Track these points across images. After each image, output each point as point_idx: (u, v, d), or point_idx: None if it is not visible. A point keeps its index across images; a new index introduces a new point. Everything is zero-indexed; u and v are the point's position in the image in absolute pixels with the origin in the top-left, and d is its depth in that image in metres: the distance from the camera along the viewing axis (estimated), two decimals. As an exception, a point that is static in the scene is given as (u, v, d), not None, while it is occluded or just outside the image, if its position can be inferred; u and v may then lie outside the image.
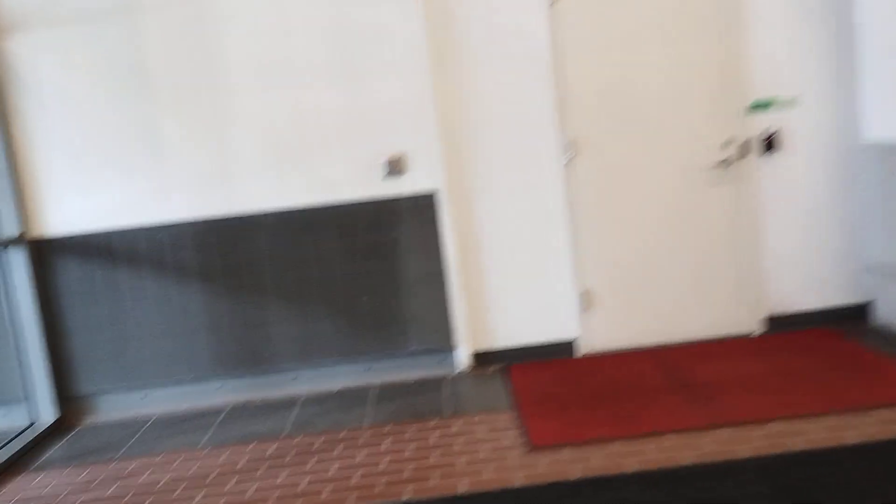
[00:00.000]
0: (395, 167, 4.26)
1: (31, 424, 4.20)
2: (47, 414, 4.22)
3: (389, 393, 4.21)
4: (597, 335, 4.46)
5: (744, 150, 4.34)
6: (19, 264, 4.13)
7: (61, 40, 4.10)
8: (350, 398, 4.20)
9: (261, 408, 4.21)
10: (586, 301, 4.44)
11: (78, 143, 4.17)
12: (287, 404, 4.22)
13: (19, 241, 4.12)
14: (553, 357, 4.44)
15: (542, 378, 4.14)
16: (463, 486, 3.01)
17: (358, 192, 4.26)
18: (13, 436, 4.07)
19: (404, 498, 2.97)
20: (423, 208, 4.28)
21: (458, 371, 4.40)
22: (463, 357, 4.39)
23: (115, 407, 4.34)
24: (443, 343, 4.35)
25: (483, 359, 4.45)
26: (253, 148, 4.21)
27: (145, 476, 3.47)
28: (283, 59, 4.15)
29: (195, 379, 4.34)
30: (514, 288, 4.40)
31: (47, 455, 3.87)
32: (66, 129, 4.16)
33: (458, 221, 4.35)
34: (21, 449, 3.88)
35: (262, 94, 4.17)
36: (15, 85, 4.11)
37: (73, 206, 4.20)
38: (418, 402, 3.99)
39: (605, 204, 4.38)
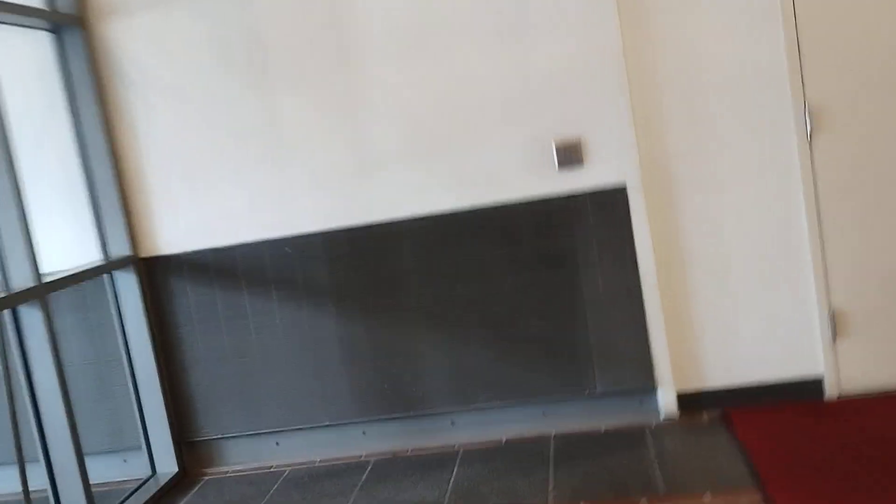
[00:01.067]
0: (571, 155, 3.29)
1: (152, 477, 3.59)
2: (168, 463, 3.60)
3: (574, 448, 3.27)
4: (852, 371, 3.31)
5: None
6: (131, 288, 3.52)
7: (165, 25, 3.42)
8: (522, 454, 3.30)
9: (411, 463, 3.40)
10: (837, 325, 3.30)
11: (189, 147, 3.49)
12: (443, 459, 3.38)
13: (129, 262, 3.50)
14: (789, 400, 3.33)
15: (780, 432, 3.06)
16: None
17: (524, 188, 3.33)
18: (132, 490, 3.48)
19: None
20: (609, 207, 3.29)
21: (661, 419, 3.40)
22: (667, 400, 3.37)
23: (241, 455, 3.67)
24: (639, 381, 3.36)
25: (692, 402, 3.41)
26: (392, 139, 3.37)
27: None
28: (427, 20, 3.27)
29: (333, 423, 3.58)
30: (734, 308, 3.33)
31: (166, 520, 3.24)
32: (174, 131, 3.49)
33: (657, 222, 3.33)
34: (137, 511, 3.28)
35: (402, 69, 3.31)
36: (117, 79, 3.48)
37: (186, 219, 3.54)
38: (616, 465, 3.03)
39: (861, 194, 3.21)
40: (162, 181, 3.52)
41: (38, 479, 2.91)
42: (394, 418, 3.56)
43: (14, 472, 2.84)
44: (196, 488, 3.51)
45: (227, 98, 3.43)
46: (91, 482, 3.01)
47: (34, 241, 2.90)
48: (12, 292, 2.79)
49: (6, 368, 2.80)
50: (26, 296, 2.82)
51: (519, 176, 3.32)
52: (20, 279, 2.85)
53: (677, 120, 3.26)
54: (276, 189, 3.47)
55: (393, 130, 3.37)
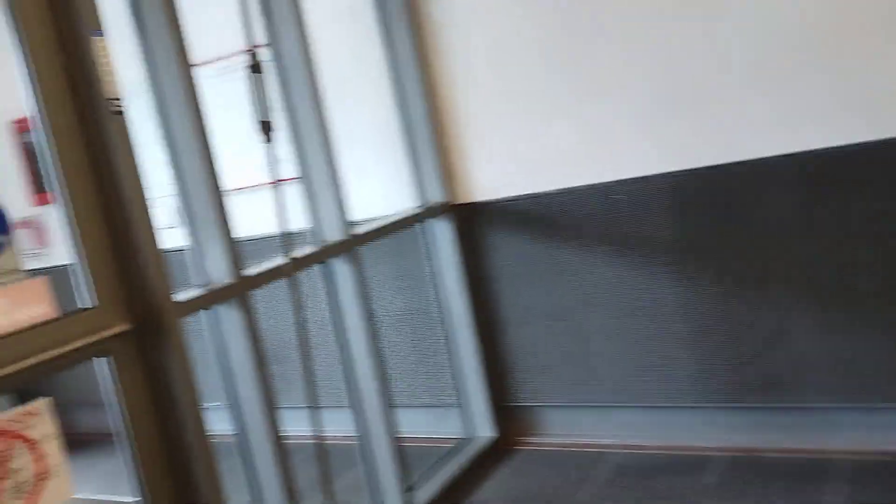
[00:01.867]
0: None
1: (466, 439, 3.34)
2: (483, 427, 3.32)
3: None
4: None
5: None
6: (444, 238, 3.22)
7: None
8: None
9: (771, 468, 2.68)
10: None
11: (508, 85, 3.03)
12: (818, 470, 2.60)
13: (443, 209, 3.20)
14: None
15: None
16: None
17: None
18: (447, 451, 3.26)
19: None
20: None
21: None
22: None
23: (561, 427, 3.24)
24: None
25: None
26: (749, 56, 2.56)
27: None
28: None
29: (668, 404, 2.98)
30: None
31: (480, 491, 2.94)
32: (493, 69, 3.05)
33: None
34: (454, 476, 3.03)
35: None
36: (433, 16, 3.12)
37: (504, 163, 3.11)
38: None
39: None
40: (479, 123, 3.13)
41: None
42: (748, 408, 2.85)
43: (338, 415, 2.73)
44: (513, 459, 3.17)
45: (548, 32, 2.89)
46: (401, 435, 2.81)
47: (344, 190, 2.68)
48: (323, 246, 2.60)
49: (301, 318, 2.63)
50: (336, 249, 2.63)
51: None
52: (330, 231, 2.65)
53: None
54: (606, 127, 2.88)
55: (750, 45, 2.56)
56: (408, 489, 2.79)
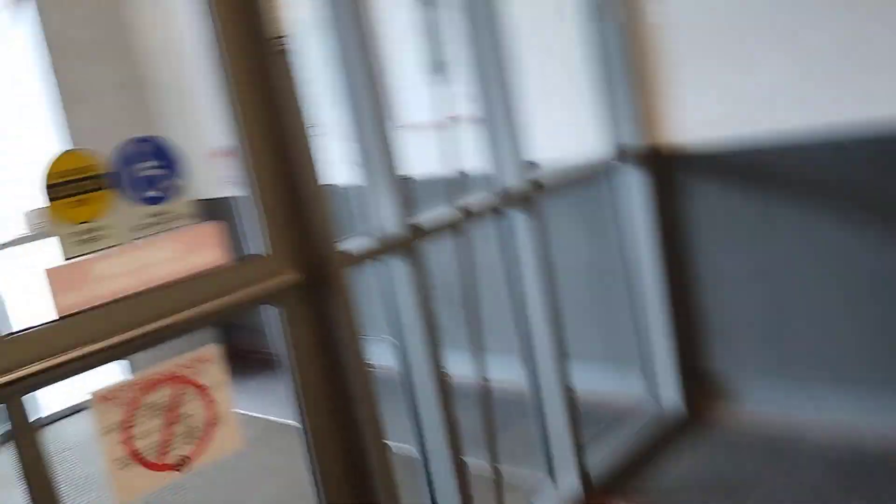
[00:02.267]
0: None
1: (649, 403, 3.11)
2: (668, 392, 3.07)
3: None
4: None
5: None
6: (636, 185, 2.94)
7: None
8: None
9: None
10: None
11: (717, 8, 2.64)
12: None
13: (638, 155, 2.90)
14: None
15: None
16: None
17: None
18: (628, 414, 3.05)
19: None
20: None
21: None
22: None
23: (761, 402, 2.91)
24: None
25: None
26: None
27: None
28: None
29: (886, 389, 2.56)
30: None
31: (662, 466, 2.73)
32: (699, -20, 2.67)
33: None
34: (634, 443, 2.84)
35: None
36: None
37: (710, 101, 2.75)
38: None
39: None
40: (683, 55, 2.77)
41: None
42: None
43: (507, 360, 2.62)
44: (700, 431, 2.91)
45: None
46: (579, 391, 2.65)
47: (526, 133, 2.48)
48: (501, 195, 2.44)
49: (473, 269, 2.50)
50: (516, 199, 2.45)
51: None
52: (510, 178, 2.48)
53: None
54: (833, 59, 2.42)
55: None
56: (581, 450, 2.64)
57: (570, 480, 2.63)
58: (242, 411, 3.93)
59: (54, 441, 4.15)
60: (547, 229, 2.54)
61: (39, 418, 4.26)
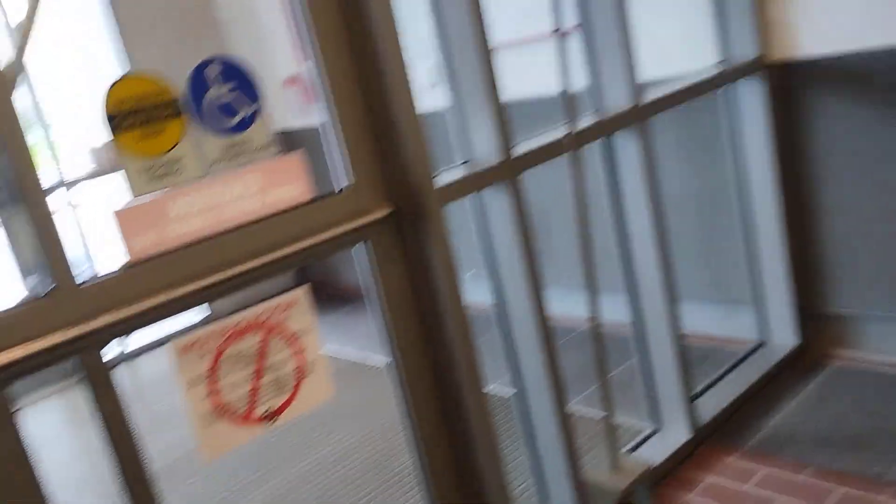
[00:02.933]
0: None
1: (762, 345, 2.86)
2: (783, 333, 2.80)
3: None
4: None
5: None
6: (754, 104, 2.62)
7: None
8: None
9: None
10: None
11: None
12: None
13: (754, 68, 2.58)
14: None
15: None
16: None
17: None
18: (741, 356, 2.81)
19: None
20: None
21: None
22: None
23: (884, 346, 2.62)
24: None
25: None
26: None
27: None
28: None
29: None
30: None
31: (780, 413, 2.50)
32: None
33: None
34: (747, 387, 2.61)
35: None
36: None
37: (842, 6, 2.39)
38: None
39: None
40: (811, -53, 2.40)
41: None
42: None
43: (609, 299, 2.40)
44: (819, 376, 2.65)
45: None
46: (686, 331, 2.43)
47: (634, 46, 2.19)
48: (606, 117, 2.17)
49: (583, 199, 2.27)
50: (622, 121, 2.19)
51: None
52: (615, 98, 2.21)
53: None
54: None
55: None
56: (689, 396, 2.43)
57: (677, 428, 2.43)
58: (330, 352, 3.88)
59: (131, 378, 4.17)
60: (655, 155, 2.27)
61: (117, 356, 4.30)
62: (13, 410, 1.26)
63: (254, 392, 1.51)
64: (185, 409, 1.43)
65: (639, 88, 2.21)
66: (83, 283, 1.30)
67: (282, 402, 1.55)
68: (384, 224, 1.70)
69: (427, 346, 1.81)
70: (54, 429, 3.76)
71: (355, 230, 1.64)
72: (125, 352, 4.34)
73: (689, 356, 2.44)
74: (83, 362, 1.31)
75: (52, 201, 1.26)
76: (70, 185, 4.15)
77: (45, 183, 1.23)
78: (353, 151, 1.66)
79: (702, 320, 3.03)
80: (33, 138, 4.36)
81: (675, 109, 2.60)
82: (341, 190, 1.66)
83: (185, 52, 4.12)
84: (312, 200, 1.59)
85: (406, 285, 1.77)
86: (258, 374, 1.51)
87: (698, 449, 2.41)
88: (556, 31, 1.90)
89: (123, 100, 1.25)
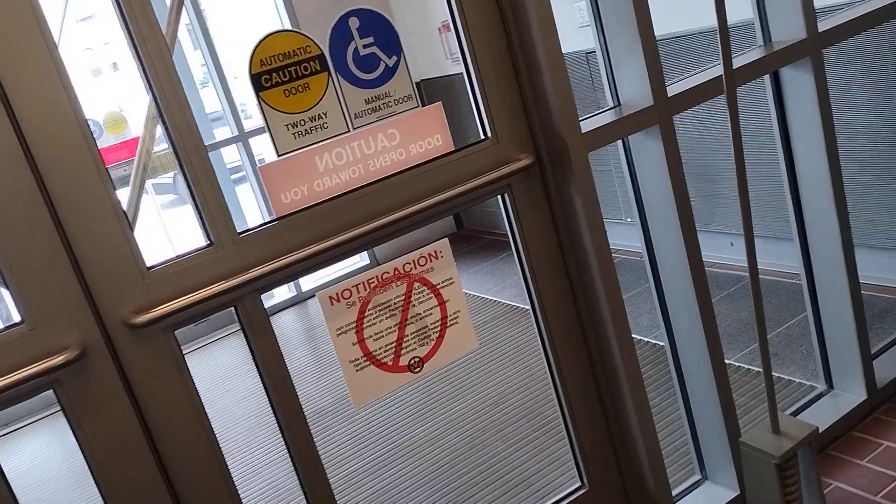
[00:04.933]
0: None
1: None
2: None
3: None
4: None
5: None
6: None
7: None
8: None
9: None
10: None
11: None
12: None
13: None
14: None
15: None
16: None
17: None
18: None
19: None
20: None
21: None
22: None
23: None
24: None
25: None
26: None
27: None
28: None
29: None
30: None
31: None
32: None
33: None
34: None
35: None
36: None
37: None
38: None
39: None
40: None
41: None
42: None
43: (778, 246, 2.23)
44: None
45: None
46: (866, 284, 2.22)
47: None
48: (772, 51, 1.99)
49: (739, 139, 2.10)
50: (792, 54, 1.99)
51: None
52: (785, 27, 2.01)
53: None
54: None
55: None
56: (867, 354, 2.22)
57: (852, 388, 2.24)
58: (476, 293, 3.93)
59: (303, 320, 4.44)
60: (827, 92, 2.05)
61: (289, 300, 4.58)
62: (184, 353, 1.38)
63: (399, 341, 1.56)
64: (337, 356, 1.50)
65: (811, 16, 1.99)
66: (241, 233, 1.39)
67: (427, 350, 1.58)
68: (526, 173, 1.66)
69: (572, 295, 1.78)
70: (232, 367, 4.10)
71: (496, 180, 1.62)
72: (300, 293, 4.63)
73: (870, 310, 2.22)
74: (240, 315, 1.40)
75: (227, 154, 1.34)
76: (245, 137, 4.41)
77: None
78: (491, 101, 1.62)
79: (884, 271, 2.76)
80: (209, 95, 4.68)
81: (857, 38, 2.33)
82: (481, 141, 1.64)
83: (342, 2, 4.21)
84: (454, 151, 1.59)
85: (549, 234, 1.73)
86: (403, 323, 1.55)
87: (875, 412, 2.21)
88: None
89: (268, 58, 1.30)
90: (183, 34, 4.47)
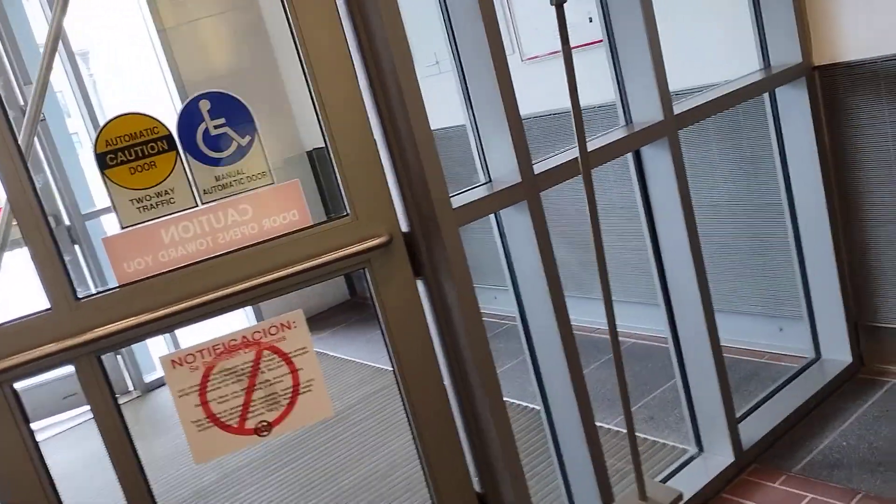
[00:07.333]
0: None
1: (815, 361, 2.73)
2: (837, 349, 2.67)
3: None
4: None
5: None
6: (798, 111, 2.51)
7: None
8: None
9: None
10: None
11: None
12: None
13: (797, 73, 2.47)
14: None
15: None
16: None
17: None
18: (794, 373, 2.68)
19: None
20: None
21: None
22: None
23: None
24: None
25: None
26: None
27: None
28: None
29: None
30: None
31: (832, 434, 2.38)
32: None
33: None
34: (797, 408, 2.49)
35: None
36: None
37: (882, 6, 2.27)
38: None
39: None
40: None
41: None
42: None
43: (654, 312, 2.32)
44: (877, 392, 2.51)
45: None
46: (732, 348, 2.33)
47: (662, 53, 2.13)
48: (633, 131, 2.12)
49: (595, 215, 2.20)
50: (651, 135, 2.13)
51: None
52: (644, 110, 2.15)
53: None
54: None
55: None
56: (733, 416, 2.33)
57: (720, 450, 2.34)
58: (367, 362, 3.90)
59: (165, 404, 4.24)
60: (683, 169, 2.19)
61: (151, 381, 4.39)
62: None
63: (246, 405, 1.57)
64: (178, 416, 1.50)
65: (668, 99, 2.14)
66: (81, 298, 1.40)
67: (276, 415, 1.59)
68: (385, 249, 1.67)
69: (447, 366, 1.79)
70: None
71: (353, 255, 1.63)
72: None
73: (737, 373, 2.34)
74: (79, 370, 1.42)
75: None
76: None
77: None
78: (350, 179, 1.62)
79: (748, 335, 2.92)
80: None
81: (715, 118, 2.52)
82: (340, 217, 1.65)
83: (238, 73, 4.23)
84: (311, 226, 1.60)
85: (415, 307, 1.73)
86: (251, 388, 1.56)
87: (742, 473, 2.31)
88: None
89: (114, 139, 1.33)
90: (69, 96, 4.36)
